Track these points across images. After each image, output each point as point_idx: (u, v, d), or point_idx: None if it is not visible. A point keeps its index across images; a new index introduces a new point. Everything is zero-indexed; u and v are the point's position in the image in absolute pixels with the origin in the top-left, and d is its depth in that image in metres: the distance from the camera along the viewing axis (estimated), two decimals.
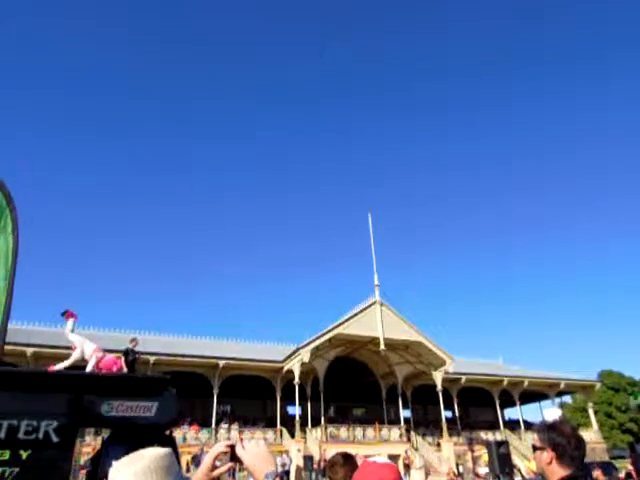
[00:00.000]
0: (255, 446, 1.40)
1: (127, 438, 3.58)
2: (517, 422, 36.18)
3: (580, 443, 1.90)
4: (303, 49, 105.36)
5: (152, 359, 24.50)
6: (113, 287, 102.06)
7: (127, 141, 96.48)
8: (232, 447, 1.42)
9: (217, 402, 27.22)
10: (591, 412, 37.21)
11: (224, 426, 26.63)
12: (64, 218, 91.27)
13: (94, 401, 3.71)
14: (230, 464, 1.44)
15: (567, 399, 50.00)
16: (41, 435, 3.42)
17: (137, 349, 13.12)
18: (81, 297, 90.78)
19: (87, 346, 6.98)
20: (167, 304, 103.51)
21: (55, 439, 3.45)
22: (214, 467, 1.42)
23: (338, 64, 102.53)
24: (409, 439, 28.79)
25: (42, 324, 29.77)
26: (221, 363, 27.17)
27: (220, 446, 1.44)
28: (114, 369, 7.24)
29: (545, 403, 39.05)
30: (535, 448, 1.98)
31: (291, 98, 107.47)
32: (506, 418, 38.61)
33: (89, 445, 18.98)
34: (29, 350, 22.98)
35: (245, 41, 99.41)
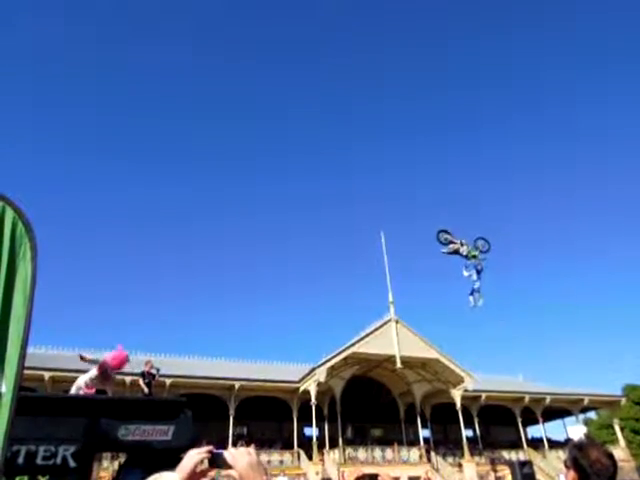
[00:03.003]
0: (246, 455, 1.31)
1: (143, 462, 3.57)
2: (540, 440, 35.19)
3: (605, 470, 1.89)
4: (306, 65, 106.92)
5: (168, 381, 24.46)
6: (127, 310, 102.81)
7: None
8: (212, 453, 1.35)
9: (233, 424, 27.01)
10: (617, 428, 36.08)
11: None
12: (79, 241, 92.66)
13: (111, 425, 3.71)
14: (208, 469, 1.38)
15: (592, 415, 48.62)
16: (59, 460, 3.41)
17: (152, 371, 13.18)
18: (95, 320, 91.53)
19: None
20: (182, 326, 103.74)
21: (72, 464, 3.44)
22: (194, 473, 1.33)
23: (338, 75, 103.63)
24: (429, 460, 28.16)
25: (59, 348, 30.02)
26: (237, 384, 27.03)
27: (200, 452, 1.36)
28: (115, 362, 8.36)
29: (569, 420, 38.01)
30: (567, 465, 2.00)
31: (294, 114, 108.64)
32: (529, 436, 37.62)
33: (106, 469, 18.91)
34: (47, 374, 23.13)
35: (241, 49, 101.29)
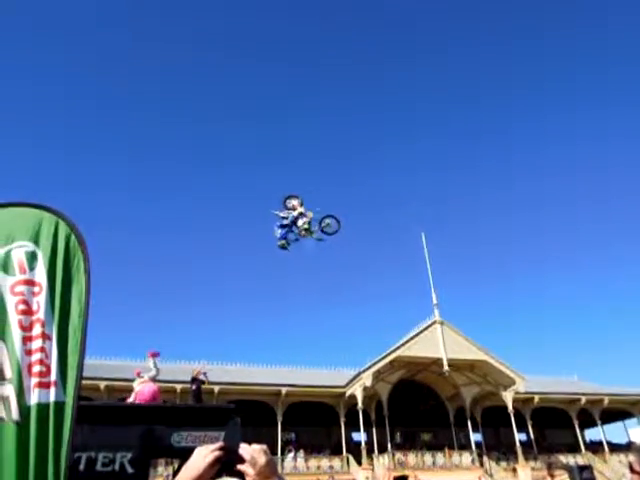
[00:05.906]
0: (263, 453, 1.33)
1: None
2: (600, 444, 33.57)
3: None
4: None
5: (216, 388, 24.93)
6: (177, 318, 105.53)
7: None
8: (224, 449, 1.35)
9: (281, 430, 27.21)
10: None
11: (290, 455, 26.49)
12: (131, 249, 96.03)
13: (165, 432, 3.80)
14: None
15: None
16: (117, 467, 3.53)
17: (201, 377, 13.59)
18: (145, 329, 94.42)
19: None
20: (229, 334, 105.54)
21: (130, 470, 3.54)
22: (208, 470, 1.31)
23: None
24: (482, 464, 27.42)
25: (113, 358, 31.19)
26: (283, 390, 27.24)
27: (213, 449, 1.33)
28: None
29: (630, 422, 36.11)
30: (632, 470, 1.87)
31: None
32: (587, 439, 35.97)
33: (161, 475, 19.47)
34: (102, 384, 24.07)
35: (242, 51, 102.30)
